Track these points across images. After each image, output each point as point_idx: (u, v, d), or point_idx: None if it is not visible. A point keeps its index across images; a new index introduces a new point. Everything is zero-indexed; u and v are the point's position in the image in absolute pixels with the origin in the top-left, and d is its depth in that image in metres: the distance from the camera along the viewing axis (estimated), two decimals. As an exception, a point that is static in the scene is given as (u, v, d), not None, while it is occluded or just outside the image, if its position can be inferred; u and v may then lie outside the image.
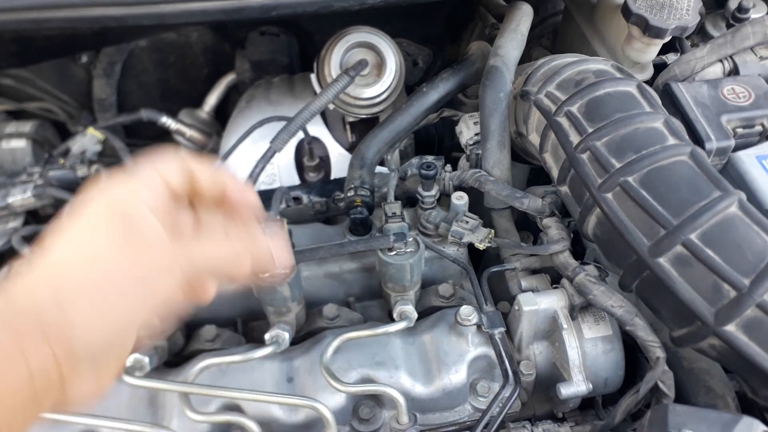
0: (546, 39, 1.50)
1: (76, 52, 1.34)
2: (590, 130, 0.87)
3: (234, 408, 0.83)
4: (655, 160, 0.81)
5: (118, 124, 1.34)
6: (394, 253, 0.89)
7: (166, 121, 1.35)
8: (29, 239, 1.00)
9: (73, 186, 1.15)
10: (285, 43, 1.46)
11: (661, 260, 0.77)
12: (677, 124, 0.88)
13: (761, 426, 0.69)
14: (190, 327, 0.96)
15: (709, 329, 0.74)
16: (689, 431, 0.68)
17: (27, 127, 1.35)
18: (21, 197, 1.10)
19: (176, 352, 0.93)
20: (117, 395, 0.85)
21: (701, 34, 1.34)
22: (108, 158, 1.28)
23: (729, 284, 0.73)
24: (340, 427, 0.79)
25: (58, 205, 1.13)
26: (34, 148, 1.34)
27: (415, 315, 0.89)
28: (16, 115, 1.44)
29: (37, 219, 1.15)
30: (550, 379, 0.93)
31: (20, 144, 1.33)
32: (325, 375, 0.80)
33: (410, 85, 1.48)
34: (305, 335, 0.95)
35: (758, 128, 0.99)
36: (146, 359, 0.83)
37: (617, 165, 0.83)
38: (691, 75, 1.12)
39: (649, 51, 1.13)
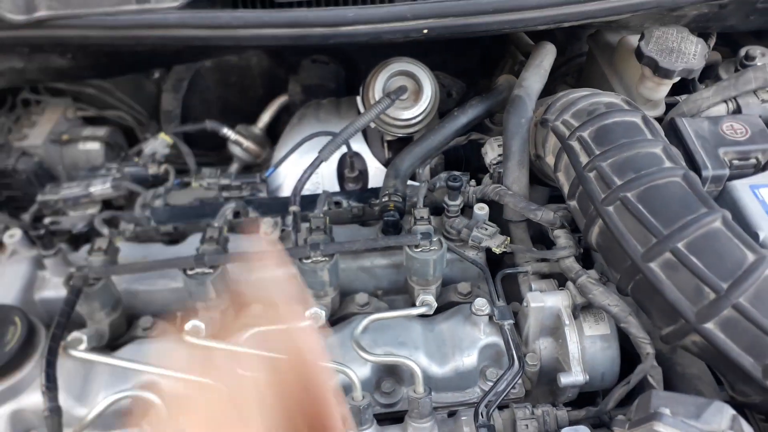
0: (571, 77, 1.64)
1: (153, 68, 1.53)
2: (598, 152, 1.00)
3: (274, 372, 0.96)
4: (651, 179, 0.94)
5: (186, 131, 1.52)
6: (420, 249, 1.02)
7: (226, 132, 1.52)
8: (108, 222, 1.17)
9: (144, 181, 1.32)
10: (333, 70, 1.63)
11: (652, 265, 0.89)
12: (675, 151, 1.00)
13: (731, 410, 0.79)
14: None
15: (690, 327, 0.86)
16: (666, 409, 0.79)
17: (101, 131, 1.54)
18: (101, 188, 1.27)
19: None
20: (175, 356, 0.99)
21: (715, 79, 1.46)
22: (174, 161, 1.45)
23: (709, 287, 0.84)
24: (364, 393, 0.91)
25: (131, 196, 1.30)
26: (107, 151, 1.52)
27: (435, 304, 1.02)
28: (90, 121, 1.63)
29: (111, 208, 1.32)
30: (553, 373, 1.04)
31: (95, 146, 1.51)
32: (354, 347, 0.93)
33: (443, 113, 1.63)
34: (338, 319, 1.08)
35: (753, 161, 1.11)
36: (203, 326, 0.97)
37: (618, 182, 0.95)
38: (697, 113, 1.24)
39: (659, 90, 1.26)
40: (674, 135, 1.15)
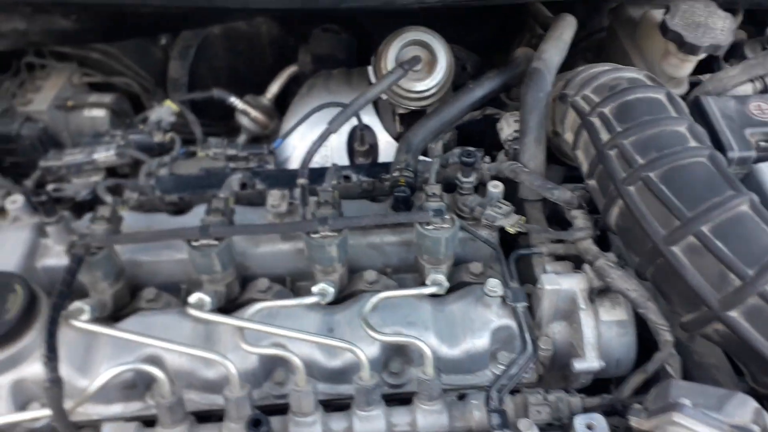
0: (590, 53, 1.59)
1: (159, 33, 1.49)
2: (619, 129, 0.96)
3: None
4: (675, 159, 0.90)
5: (193, 99, 1.48)
6: (432, 227, 0.99)
7: (234, 101, 1.48)
8: (112, 190, 1.14)
9: (149, 149, 1.29)
10: (345, 41, 1.58)
11: (674, 248, 0.85)
12: (700, 129, 0.96)
13: (754, 402, 0.77)
14: (245, 279, 1.08)
15: (714, 314, 0.82)
16: (687, 400, 0.76)
17: (107, 98, 1.50)
18: (105, 155, 1.24)
19: (232, 300, 1.04)
20: (179, 329, 0.97)
21: (740, 58, 1.41)
22: (180, 131, 1.42)
23: (735, 273, 0.81)
24: (372, 373, 0.89)
25: (136, 164, 1.27)
26: (112, 118, 1.48)
27: (447, 283, 0.99)
28: (96, 87, 1.60)
29: (115, 176, 1.29)
30: (567, 357, 1.01)
31: (100, 113, 1.48)
32: (363, 325, 0.90)
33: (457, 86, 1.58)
34: (346, 296, 1.05)
35: (781, 143, 1.06)
36: (207, 299, 0.94)
37: (641, 161, 0.91)
38: (723, 92, 1.19)
39: (684, 67, 1.22)
40: (699, 114, 1.11)
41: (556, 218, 1.22)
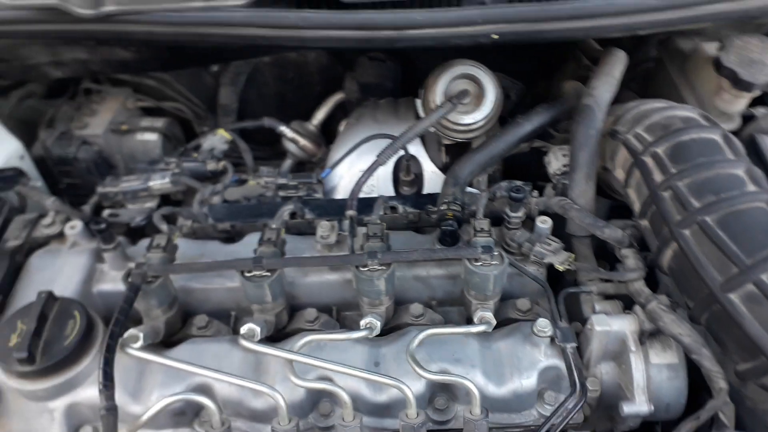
0: (636, 84, 1.57)
1: (213, 62, 1.53)
2: (674, 171, 0.95)
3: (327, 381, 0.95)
4: (733, 204, 0.88)
5: (244, 128, 1.52)
6: (480, 263, 0.99)
7: (283, 129, 1.51)
8: (166, 218, 1.17)
9: (202, 177, 1.32)
10: (391, 68, 1.60)
11: (732, 296, 0.84)
12: (759, 173, 0.94)
13: (813, 457, 0.74)
14: (293, 308, 1.09)
15: (772, 365, 0.80)
16: (743, 453, 0.74)
17: (159, 122, 1.55)
18: (160, 182, 1.28)
19: (280, 329, 1.06)
20: (229, 358, 0.99)
21: (793, 92, 1.38)
22: (229, 154, 1.45)
23: (796, 326, 0.79)
24: (418, 410, 0.89)
25: (188, 191, 1.30)
26: (164, 142, 1.53)
27: (494, 321, 0.98)
28: (149, 112, 1.65)
29: (169, 202, 1.33)
30: (614, 399, 1.00)
31: (152, 137, 1.53)
32: (410, 362, 0.91)
33: (502, 116, 1.58)
34: (391, 329, 1.06)
35: (841, 185, 1.03)
36: (258, 329, 0.96)
37: (697, 205, 0.90)
38: (778, 129, 1.17)
39: (737, 103, 1.20)
40: (754, 153, 1.09)
41: (602, 251, 1.20)
